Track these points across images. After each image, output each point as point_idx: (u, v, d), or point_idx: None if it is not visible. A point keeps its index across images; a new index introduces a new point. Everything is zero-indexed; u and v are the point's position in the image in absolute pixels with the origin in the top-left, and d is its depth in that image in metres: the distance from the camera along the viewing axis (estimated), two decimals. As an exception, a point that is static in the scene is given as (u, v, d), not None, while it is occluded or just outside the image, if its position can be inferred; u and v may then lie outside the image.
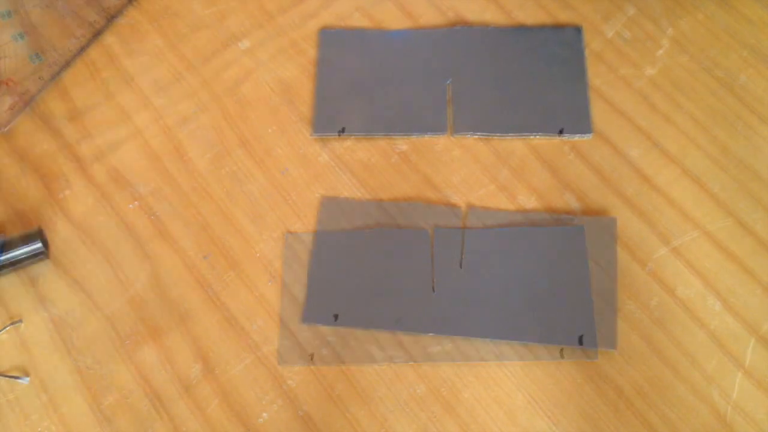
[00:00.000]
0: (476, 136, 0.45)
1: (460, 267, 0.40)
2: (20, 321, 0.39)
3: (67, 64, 0.48)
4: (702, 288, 0.40)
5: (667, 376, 0.38)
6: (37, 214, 0.43)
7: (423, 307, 0.40)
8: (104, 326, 0.40)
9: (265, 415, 0.38)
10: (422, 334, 0.39)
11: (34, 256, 0.41)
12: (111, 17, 0.47)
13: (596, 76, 0.46)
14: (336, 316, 0.40)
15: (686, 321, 0.39)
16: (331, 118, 0.45)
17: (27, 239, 0.41)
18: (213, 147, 0.45)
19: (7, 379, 0.39)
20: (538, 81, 0.46)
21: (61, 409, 0.39)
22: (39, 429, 0.38)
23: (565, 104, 0.45)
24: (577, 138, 0.44)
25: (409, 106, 0.45)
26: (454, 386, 0.39)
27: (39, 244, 0.41)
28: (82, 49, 0.48)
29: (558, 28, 0.48)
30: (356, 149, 0.45)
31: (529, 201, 0.42)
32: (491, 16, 0.49)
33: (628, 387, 0.38)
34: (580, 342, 0.38)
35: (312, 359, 0.39)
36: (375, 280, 0.40)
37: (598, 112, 0.45)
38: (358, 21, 0.49)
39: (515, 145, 0.44)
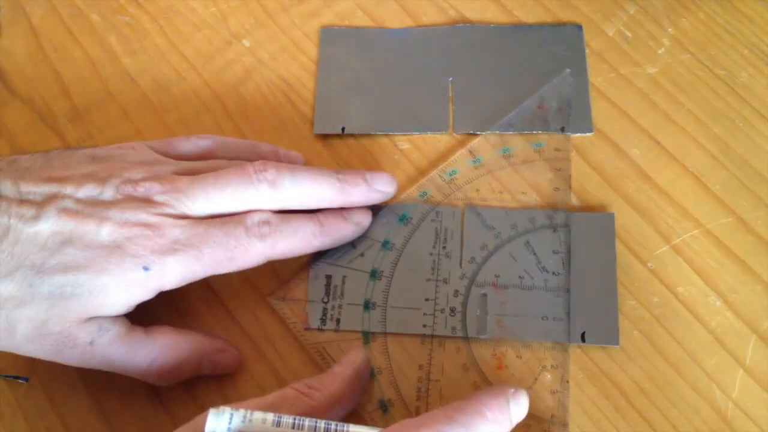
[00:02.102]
0: (478, 134, 0.45)
1: (460, 266, 0.41)
2: (26, 378, 0.39)
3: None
4: (703, 285, 0.40)
5: (668, 373, 0.38)
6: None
7: None
8: (104, 326, 0.40)
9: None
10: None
11: None
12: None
13: (597, 74, 0.46)
14: None
15: (687, 318, 0.39)
16: (332, 116, 0.45)
17: None
18: (214, 146, 0.45)
19: (7, 379, 0.39)
20: (539, 79, 0.46)
21: (61, 409, 0.38)
22: (39, 429, 0.38)
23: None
24: (578, 136, 0.44)
25: (411, 105, 0.46)
26: (456, 384, 0.39)
27: None
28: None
29: (559, 26, 0.48)
30: (358, 147, 0.45)
31: (530, 198, 0.42)
32: (492, 14, 0.49)
33: (629, 384, 0.38)
34: (583, 339, 0.39)
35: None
36: None
37: (598, 110, 0.45)
38: (360, 20, 0.49)
39: (516, 142, 0.44)
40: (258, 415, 0.30)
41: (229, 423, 0.29)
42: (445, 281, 0.40)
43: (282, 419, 0.30)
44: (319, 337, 0.39)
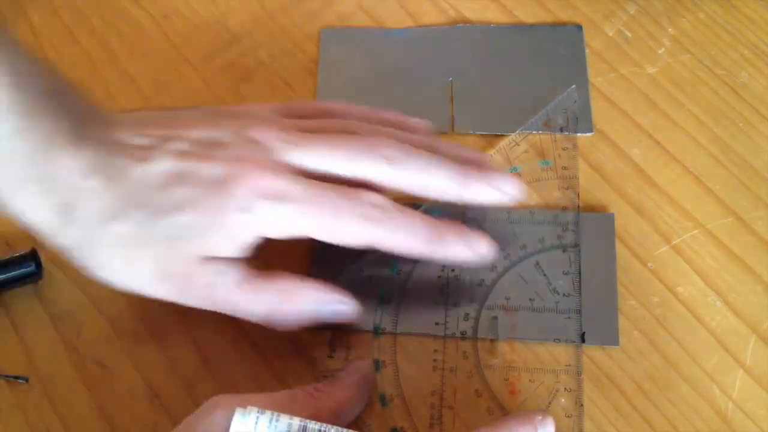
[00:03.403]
0: (478, 134, 0.45)
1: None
2: (26, 378, 0.39)
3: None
4: (703, 286, 0.40)
5: (668, 373, 0.38)
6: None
7: None
8: (104, 326, 0.40)
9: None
10: None
11: (26, 278, 0.41)
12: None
13: (597, 74, 0.46)
14: None
15: (687, 318, 0.39)
16: (332, 116, 0.46)
17: (18, 261, 0.40)
18: (214, 146, 0.45)
19: (7, 379, 0.39)
20: (539, 79, 0.46)
21: (61, 409, 0.38)
22: (39, 429, 0.38)
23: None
24: (578, 136, 0.44)
25: (411, 105, 0.45)
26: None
27: (32, 266, 0.40)
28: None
29: (558, 26, 0.48)
30: (357, 148, 0.45)
31: (530, 199, 0.42)
32: (492, 14, 0.49)
33: (629, 384, 0.38)
34: (582, 339, 0.38)
35: None
36: None
37: (598, 110, 0.45)
38: (360, 20, 0.49)
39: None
40: (284, 419, 0.29)
41: (255, 424, 0.29)
42: (455, 305, 0.40)
43: (308, 426, 0.29)
44: (330, 365, 0.39)
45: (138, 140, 0.35)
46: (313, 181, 0.35)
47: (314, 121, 0.39)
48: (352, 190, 0.35)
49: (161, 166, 0.35)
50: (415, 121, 0.41)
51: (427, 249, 0.36)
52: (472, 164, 0.38)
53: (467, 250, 0.37)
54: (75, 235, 0.35)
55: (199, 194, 0.34)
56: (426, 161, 0.37)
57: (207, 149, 0.35)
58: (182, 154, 0.35)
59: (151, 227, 0.34)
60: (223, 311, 0.37)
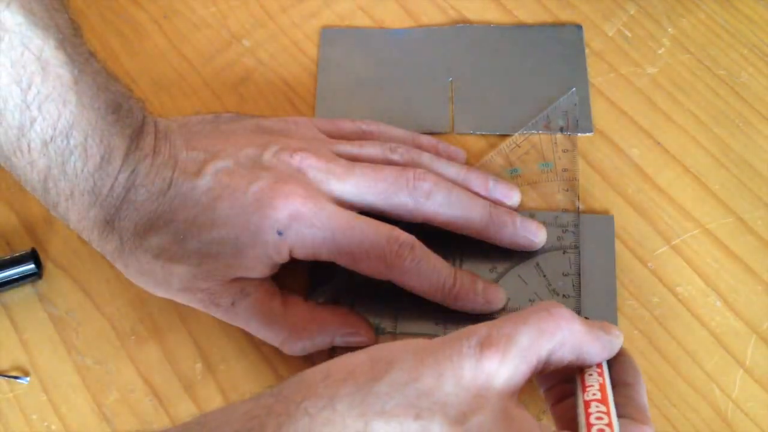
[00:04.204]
0: (478, 134, 0.45)
1: (461, 266, 0.40)
2: (26, 378, 0.39)
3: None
4: (703, 286, 0.40)
5: (668, 373, 0.38)
6: (38, 214, 0.43)
7: None
8: (104, 326, 0.40)
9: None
10: None
11: (26, 277, 0.41)
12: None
13: (597, 74, 0.46)
14: None
15: (687, 318, 0.39)
16: (332, 116, 0.45)
17: (18, 261, 0.40)
18: (214, 146, 0.45)
19: (7, 379, 0.39)
20: (538, 79, 0.46)
21: (61, 409, 0.38)
22: (39, 429, 0.38)
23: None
24: (578, 136, 0.44)
25: (411, 105, 0.46)
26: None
27: (32, 266, 0.40)
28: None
29: (558, 26, 0.48)
30: (357, 148, 0.45)
31: (530, 199, 0.43)
32: (492, 14, 0.49)
33: (629, 384, 0.38)
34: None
35: None
36: None
37: (598, 110, 0.45)
38: (360, 20, 0.49)
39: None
40: None
41: None
42: None
43: None
44: None
45: (185, 155, 0.36)
46: (348, 212, 0.37)
47: (356, 146, 0.40)
48: (383, 225, 0.37)
49: (206, 183, 0.36)
50: (452, 150, 0.43)
51: (437, 297, 0.38)
52: (503, 204, 0.40)
53: (480, 300, 0.38)
54: (115, 243, 0.36)
55: (239, 213, 0.35)
56: (460, 200, 0.39)
57: (250, 170, 0.36)
58: (227, 173, 0.36)
59: (186, 242, 0.35)
60: (244, 328, 0.38)
